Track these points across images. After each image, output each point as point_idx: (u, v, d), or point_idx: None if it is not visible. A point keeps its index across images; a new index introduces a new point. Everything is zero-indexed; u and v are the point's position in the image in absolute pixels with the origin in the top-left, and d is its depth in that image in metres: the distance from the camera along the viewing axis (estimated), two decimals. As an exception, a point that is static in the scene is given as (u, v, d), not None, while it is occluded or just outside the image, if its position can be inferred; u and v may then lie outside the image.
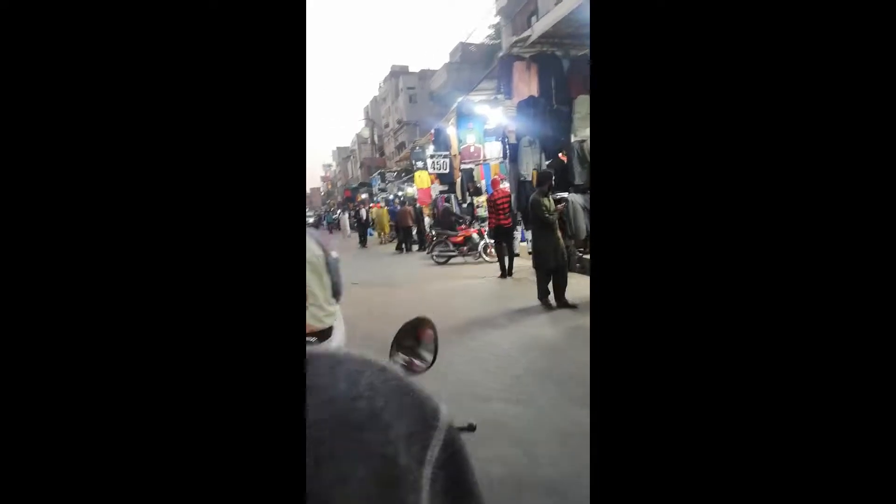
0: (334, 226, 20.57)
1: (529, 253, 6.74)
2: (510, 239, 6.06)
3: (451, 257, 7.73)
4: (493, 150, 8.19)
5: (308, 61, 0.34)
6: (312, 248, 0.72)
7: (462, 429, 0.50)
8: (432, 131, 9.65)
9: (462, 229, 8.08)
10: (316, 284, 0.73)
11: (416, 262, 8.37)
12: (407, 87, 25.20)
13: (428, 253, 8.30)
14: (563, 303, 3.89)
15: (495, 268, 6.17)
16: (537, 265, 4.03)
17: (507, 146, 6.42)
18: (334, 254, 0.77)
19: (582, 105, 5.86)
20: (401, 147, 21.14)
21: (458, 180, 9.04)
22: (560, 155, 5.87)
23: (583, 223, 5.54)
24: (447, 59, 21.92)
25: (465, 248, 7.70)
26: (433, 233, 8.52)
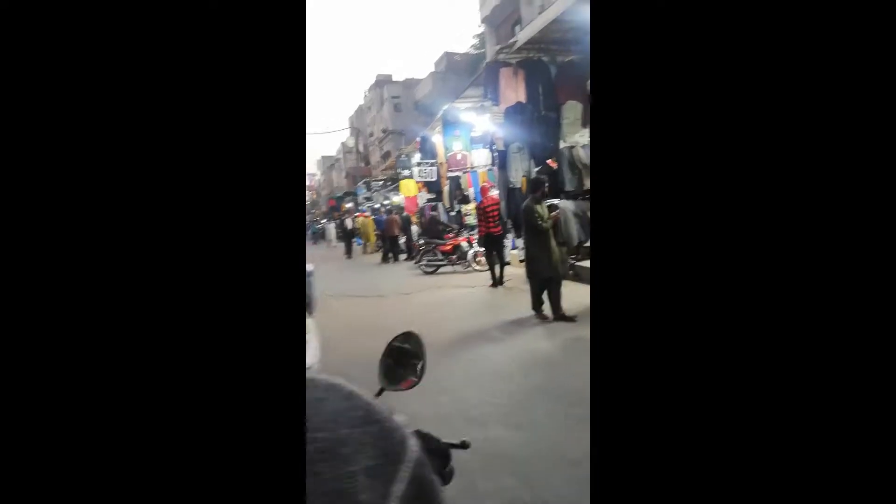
0: (319, 235, 20.22)
1: (521, 261, 6.64)
2: (500, 247, 5.92)
3: (439, 266, 7.55)
4: (481, 157, 8.10)
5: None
6: None
7: (454, 446, 0.48)
8: (418, 139, 9.52)
9: (450, 238, 7.92)
10: None
11: (404, 272, 8.16)
12: (392, 96, 25.17)
13: (416, 263, 8.10)
14: (560, 315, 3.72)
15: (485, 277, 6.01)
16: (531, 274, 3.87)
17: (496, 153, 6.32)
18: (309, 266, 0.70)
19: (570, 111, 5.82)
20: (386, 156, 21.03)
21: (446, 188, 8.91)
22: (549, 161, 5.79)
23: (574, 230, 5.45)
24: (432, 69, 22.00)
25: (454, 256, 7.53)
26: (421, 242, 8.33)
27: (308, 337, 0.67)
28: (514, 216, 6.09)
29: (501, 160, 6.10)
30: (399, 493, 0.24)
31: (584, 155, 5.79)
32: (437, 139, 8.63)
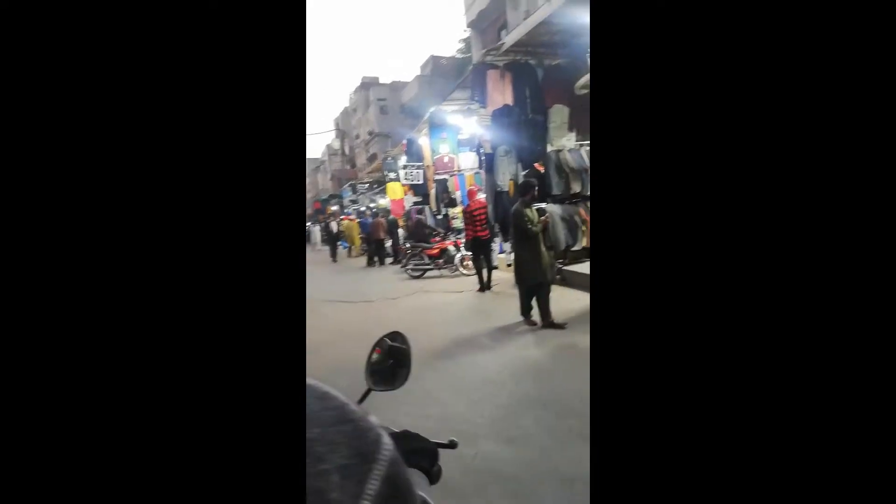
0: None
1: (508, 265, 6.58)
2: (488, 251, 5.85)
3: (426, 271, 7.44)
4: (468, 160, 8.05)
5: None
6: None
7: (442, 445, 0.48)
8: (404, 141, 9.41)
9: (436, 241, 7.82)
10: None
11: (390, 277, 8.01)
12: (378, 98, 25.00)
13: (402, 267, 7.97)
14: (548, 322, 3.64)
15: (473, 281, 5.92)
16: (519, 280, 3.79)
17: (483, 156, 6.26)
18: None
19: (557, 115, 5.81)
20: (372, 158, 20.82)
21: (432, 191, 8.82)
22: (536, 165, 5.76)
23: (561, 234, 5.42)
24: (418, 72, 21.93)
25: (441, 260, 7.43)
26: (407, 245, 8.20)
27: None
28: (501, 220, 6.04)
29: (489, 163, 6.04)
30: (373, 491, 0.24)
31: (570, 159, 5.78)
32: (423, 141, 8.54)
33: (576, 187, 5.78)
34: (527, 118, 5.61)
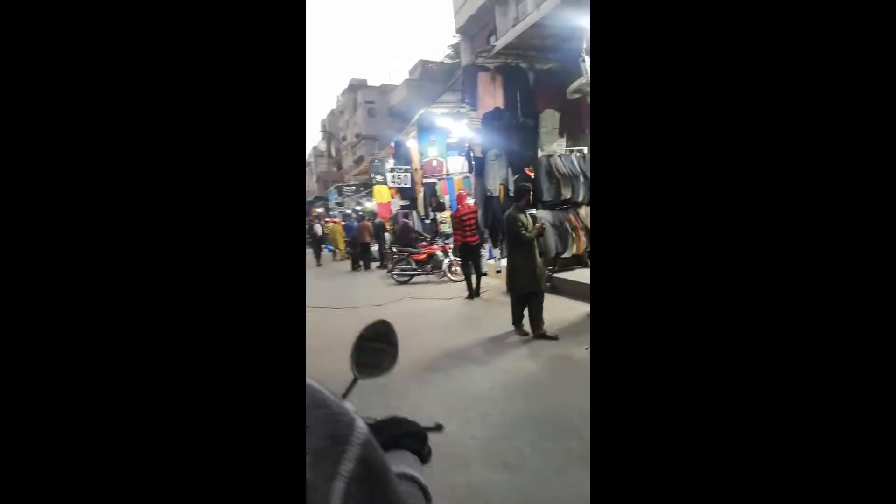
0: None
1: (498, 272, 6.45)
2: (477, 257, 5.70)
3: (413, 276, 7.25)
4: (457, 164, 7.92)
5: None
6: None
7: (430, 429, 0.49)
8: (392, 144, 9.24)
9: (423, 246, 7.64)
10: None
11: (376, 281, 7.79)
12: (366, 100, 24.78)
13: (388, 272, 7.75)
14: (540, 333, 3.49)
15: (461, 287, 5.77)
16: (512, 288, 3.64)
17: (473, 159, 6.13)
18: None
19: (548, 119, 5.73)
20: (359, 161, 20.56)
21: (420, 195, 8.65)
22: (527, 170, 5.67)
23: (552, 240, 5.32)
24: (406, 76, 21.83)
25: (429, 266, 7.25)
26: (394, 250, 7.99)
27: None
28: (491, 225, 5.91)
29: (479, 167, 5.91)
30: (347, 472, 0.24)
31: (561, 164, 5.71)
32: (411, 144, 8.38)
33: (566, 193, 5.70)
34: (517, 122, 5.52)
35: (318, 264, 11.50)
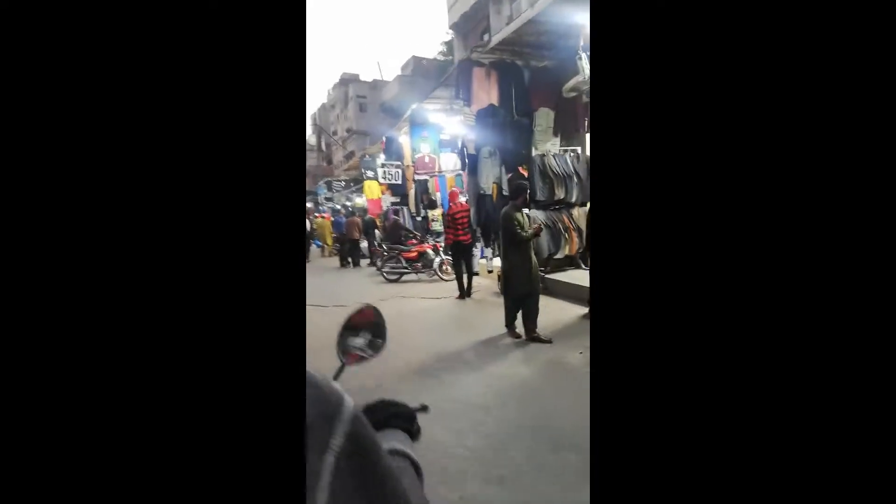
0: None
1: (490, 272, 6.36)
2: (469, 256, 5.59)
3: (403, 274, 7.11)
4: (449, 161, 7.80)
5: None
6: None
7: (417, 409, 0.51)
8: (383, 139, 9.07)
9: (413, 244, 7.51)
10: None
11: (364, 279, 7.64)
12: (357, 95, 24.43)
13: (378, 269, 7.60)
14: (533, 337, 3.39)
15: (451, 287, 5.66)
16: (507, 289, 3.54)
17: (466, 157, 6.01)
18: None
19: (542, 118, 5.65)
20: (349, 156, 20.29)
21: (412, 192, 8.51)
22: (520, 168, 5.58)
23: (544, 241, 5.25)
24: (398, 73, 21.57)
25: (419, 264, 7.13)
26: (384, 247, 7.83)
27: None
28: (483, 224, 5.81)
29: (472, 165, 5.80)
30: (337, 447, 0.26)
31: (555, 164, 5.64)
32: (403, 140, 8.23)
33: (559, 193, 5.64)
34: (512, 119, 5.42)
35: (307, 260, 11.27)
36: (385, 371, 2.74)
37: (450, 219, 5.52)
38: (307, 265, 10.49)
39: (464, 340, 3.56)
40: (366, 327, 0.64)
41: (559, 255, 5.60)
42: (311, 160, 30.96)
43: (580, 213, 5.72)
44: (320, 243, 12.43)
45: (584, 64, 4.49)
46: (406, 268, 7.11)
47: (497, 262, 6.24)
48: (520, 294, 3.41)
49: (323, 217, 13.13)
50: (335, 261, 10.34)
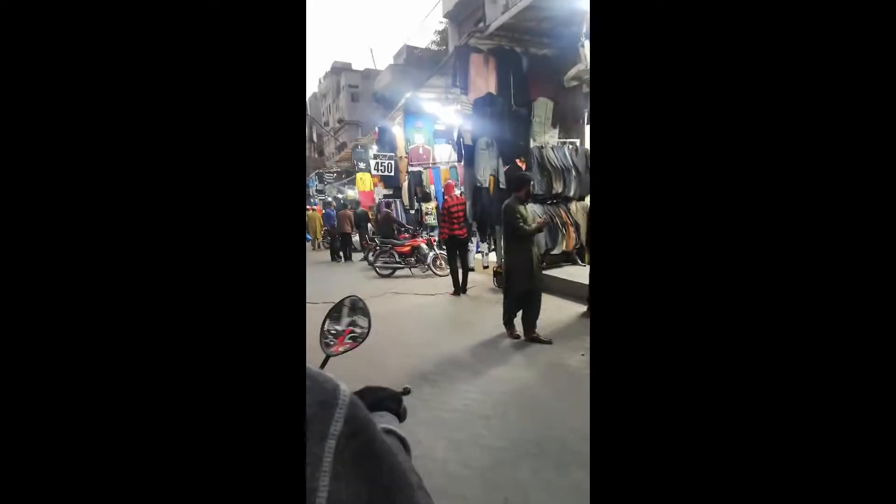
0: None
1: (485, 267, 6.19)
2: (465, 251, 5.41)
3: (396, 269, 6.92)
4: (444, 152, 7.58)
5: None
6: None
7: (402, 393, 0.54)
8: (376, 129, 8.80)
9: (405, 238, 7.30)
10: None
11: (357, 274, 7.43)
12: (349, 84, 23.93)
13: (370, 264, 7.39)
14: (532, 336, 3.23)
15: (446, 283, 5.49)
16: (508, 287, 3.35)
17: (462, 148, 5.79)
18: None
19: (541, 108, 5.45)
20: (341, 147, 19.89)
21: (405, 184, 8.28)
22: (518, 161, 5.40)
23: (541, 236, 5.09)
24: (391, 62, 21.13)
25: (413, 259, 6.93)
26: (376, 241, 7.61)
27: None
28: (479, 218, 5.63)
29: (468, 156, 5.59)
30: (336, 431, 0.27)
31: (554, 156, 5.46)
32: (397, 131, 7.98)
33: (557, 187, 5.47)
34: (510, 109, 5.22)
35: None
36: (378, 375, 2.57)
37: (445, 212, 5.32)
38: (297, 259, 10.21)
39: (460, 341, 3.39)
40: (349, 315, 0.65)
41: (556, 251, 5.45)
42: (302, 151, 30.31)
43: (578, 208, 5.57)
44: (310, 237, 12.15)
45: (587, 52, 4.29)
46: (399, 263, 6.91)
47: (492, 257, 6.09)
48: (521, 292, 3.24)
49: (313, 209, 12.85)
50: (325, 255, 10.09)
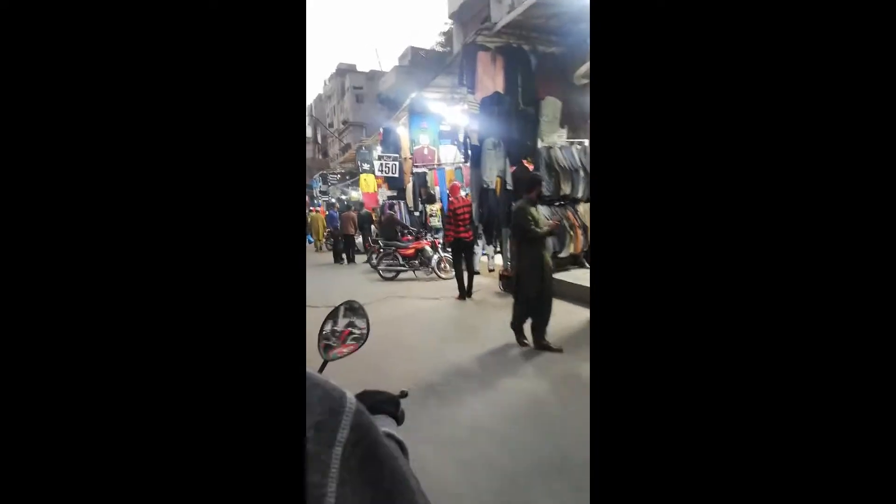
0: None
1: (491, 270, 6.05)
2: (470, 254, 5.27)
3: (399, 272, 6.79)
4: (449, 153, 7.45)
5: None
6: None
7: (399, 396, 0.55)
8: (381, 130, 8.69)
9: (408, 240, 7.17)
10: None
11: (360, 277, 7.31)
12: (354, 86, 23.91)
13: (373, 267, 7.26)
14: (542, 344, 3.08)
15: (450, 286, 5.35)
16: (518, 291, 3.19)
17: (469, 148, 5.66)
18: None
19: (549, 107, 5.31)
20: (346, 148, 19.84)
21: (409, 185, 8.16)
22: (525, 161, 5.26)
23: (550, 239, 4.94)
24: (396, 63, 21.09)
25: (417, 262, 6.80)
26: (380, 243, 7.48)
27: None
28: (486, 221, 5.49)
29: (475, 156, 5.45)
30: (343, 438, 0.27)
31: (562, 157, 5.32)
32: (401, 132, 7.86)
33: (565, 188, 5.33)
34: (518, 109, 5.08)
35: (299, 255, 10.86)
36: (381, 384, 2.43)
37: (451, 214, 5.19)
38: (300, 260, 10.12)
39: (467, 348, 3.25)
40: (346, 318, 0.66)
41: (563, 254, 5.30)
42: (307, 152, 30.45)
43: (585, 210, 5.43)
44: (312, 239, 12.06)
45: (598, 49, 4.15)
46: (403, 265, 6.78)
47: (498, 260, 5.95)
48: (531, 297, 3.09)
49: (317, 211, 12.77)
50: (329, 256, 9.99)
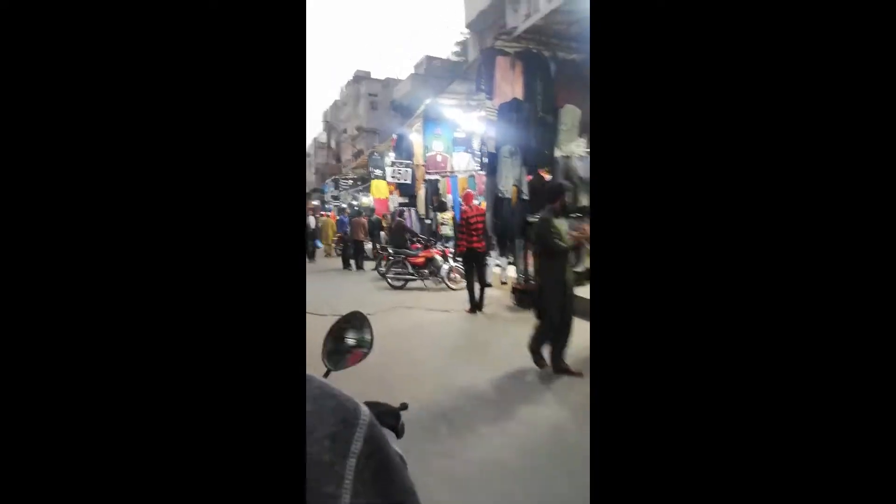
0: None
1: (503, 283, 5.83)
2: (483, 265, 5.06)
3: (408, 281, 6.61)
4: (462, 161, 7.29)
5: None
6: None
7: (399, 409, 0.57)
8: (394, 136, 8.60)
9: (417, 248, 6.99)
10: None
11: (368, 284, 7.14)
12: (369, 93, 24.10)
13: (382, 275, 7.09)
14: (561, 367, 2.85)
15: (460, 297, 5.15)
16: (540, 308, 2.95)
17: (485, 155, 5.49)
18: None
19: (568, 116, 5.12)
20: (358, 154, 19.92)
21: (421, 192, 8.01)
22: (541, 171, 5.07)
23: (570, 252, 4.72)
24: (412, 71, 21.20)
25: (426, 271, 6.61)
26: (389, 250, 7.32)
27: None
28: (500, 231, 5.29)
29: (491, 164, 5.27)
30: (357, 450, 0.28)
31: (580, 168, 5.12)
32: (415, 138, 7.74)
33: (583, 200, 5.12)
34: (536, 116, 4.91)
35: (311, 260, 10.78)
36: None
37: (464, 223, 5.00)
38: (310, 266, 10.03)
39: (479, 369, 3.02)
40: (351, 333, 0.66)
41: (579, 269, 5.06)
42: (321, 158, 30.67)
43: (605, 223, 5.19)
44: (320, 244, 11.97)
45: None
46: (412, 274, 6.60)
47: (512, 272, 5.73)
48: (555, 319, 2.84)
49: (327, 216, 12.71)
50: (338, 262, 9.86)
